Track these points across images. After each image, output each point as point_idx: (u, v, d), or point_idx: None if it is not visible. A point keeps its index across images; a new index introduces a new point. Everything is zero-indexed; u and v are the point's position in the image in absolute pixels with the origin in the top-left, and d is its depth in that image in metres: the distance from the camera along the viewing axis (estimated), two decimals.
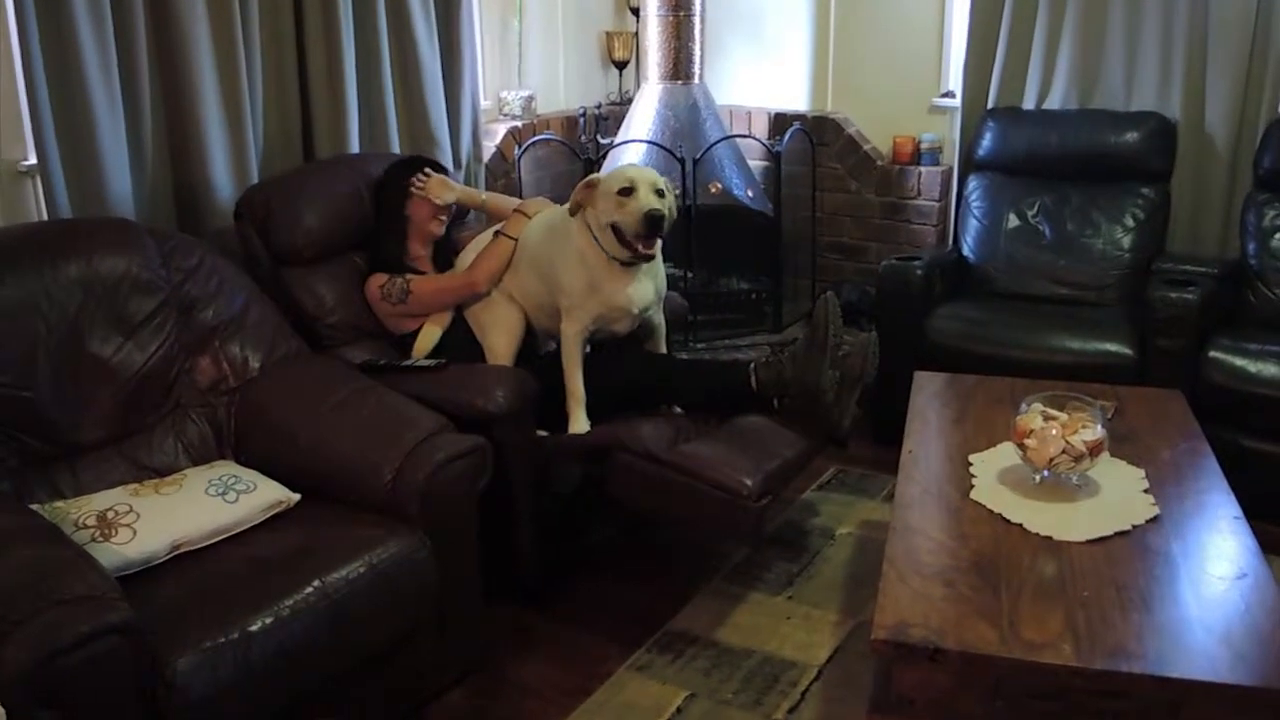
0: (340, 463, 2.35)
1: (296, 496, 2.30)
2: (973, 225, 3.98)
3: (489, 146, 4.04)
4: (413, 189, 2.99)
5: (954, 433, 2.54)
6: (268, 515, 2.25)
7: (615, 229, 2.72)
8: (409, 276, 2.93)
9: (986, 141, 4.00)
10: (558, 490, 2.79)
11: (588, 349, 2.94)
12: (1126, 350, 3.29)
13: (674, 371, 2.92)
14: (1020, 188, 3.93)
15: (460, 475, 2.34)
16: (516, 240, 2.96)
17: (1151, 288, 3.35)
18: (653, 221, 2.66)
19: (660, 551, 3.13)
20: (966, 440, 2.47)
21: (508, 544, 2.71)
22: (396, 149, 3.52)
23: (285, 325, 2.72)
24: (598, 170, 4.05)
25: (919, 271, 3.60)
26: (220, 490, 2.23)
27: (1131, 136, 3.78)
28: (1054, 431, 2.17)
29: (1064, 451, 2.15)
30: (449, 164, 3.72)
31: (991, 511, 2.13)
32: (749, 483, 2.48)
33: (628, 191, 2.70)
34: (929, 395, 2.77)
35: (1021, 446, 2.20)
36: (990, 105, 4.07)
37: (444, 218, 3.04)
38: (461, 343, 2.95)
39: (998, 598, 1.84)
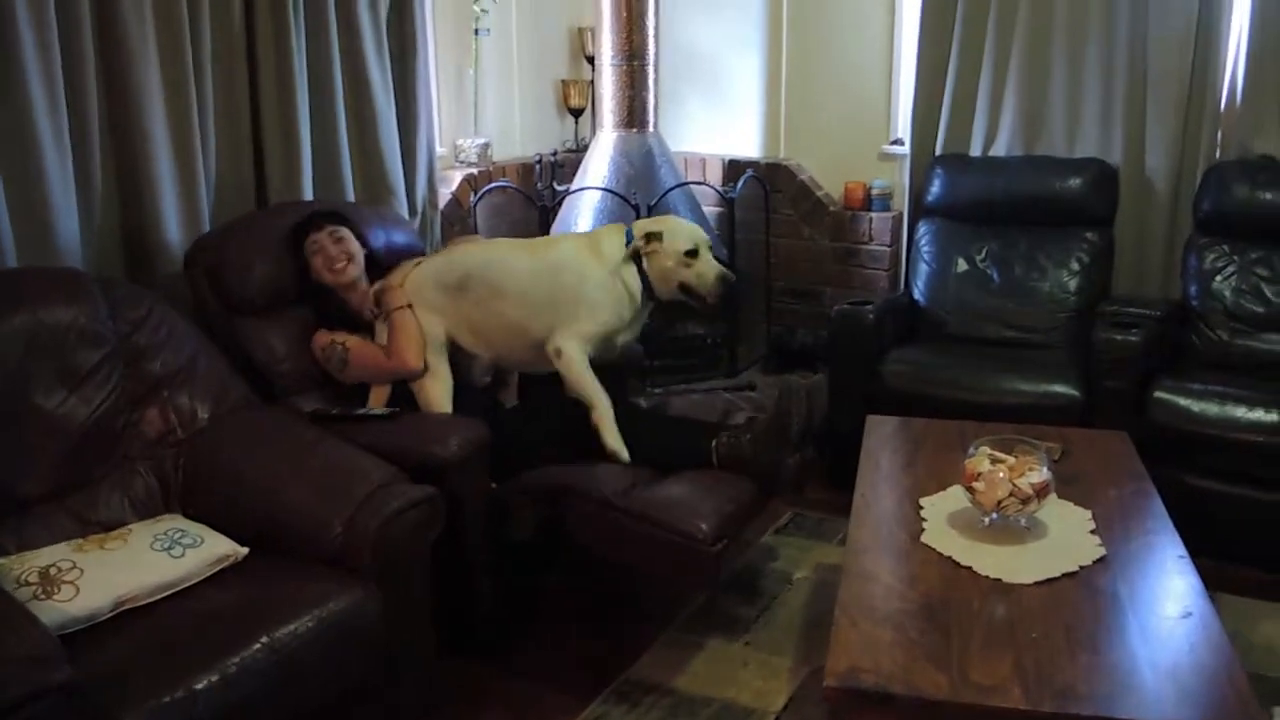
0: (290, 515, 2.33)
1: (244, 550, 2.27)
2: (923, 270, 4.04)
3: (445, 193, 4.05)
4: (306, 251, 2.98)
5: (905, 476, 2.56)
6: (215, 570, 2.21)
7: (683, 285, 2.93)
8: (347, 345, 2.92)
9: (935, 187, 4.07)
10: (512, 538, 2.77)
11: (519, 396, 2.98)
12: (1073, 391, 3.35)
13: (636, 425, 2.90)
14: (968, 233, 3.99)
15: (412, 526, 2.32)
16: (406, 308, 2.97)
17: (1096, 330, 3.41)
18: (728, 284, 2.91)
19: (617, 599, 3.11)
20: (917, 484, 2.49)
21: (462, 594, 2.69)
22: (350, 196, 3.52)
23: (235, 375, 2.70)
24: (553, 218, 4.08)
25: (871, 316, 3.64)
26: (166, 545, 2.19)
27: (1075, 182, 3.87)
28: (1001, 474, 2.20)
29: (1011, 494, 2.17)
30: (404, 210, 3.72)
31: (941, 555, 2.15)
32: (705, 527, 2.48)
33: (694, 254, 2.89)
34: (880, 439, 2.79)
35: (970, 490, 2.23)
36: (938, 152, 4.15)
37: (342, 266, 2.97)
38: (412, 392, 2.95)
39: (948, 641, 1.85)
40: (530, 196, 4.16)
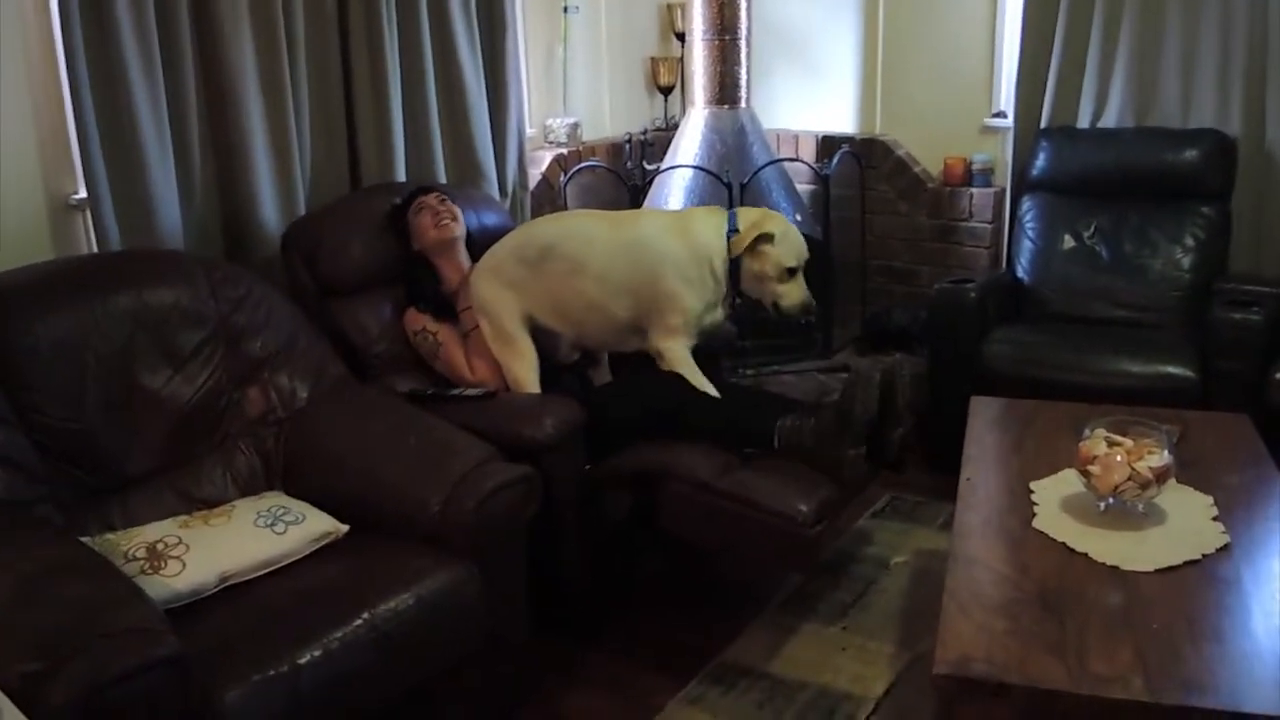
0: (388, 493, 2.33)
1: (345, 528, 2.28)
2: (1027, 247, 3.90)
3: (534, 174, 4.04)
4: (411, 214, 3.00)
5: (1013, 459, 2.47)
6: (316, 547, 2.23)
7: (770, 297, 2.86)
8: (440, 339, 2.93)
9: (1040, 161, 3.93)
10: (606, 520, 2.75)
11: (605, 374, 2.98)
12: (1189, 373, 3.20)
13: (696, 405, 2.78)
14: (1076, 208, 3.85)
15: (508, 505, 2.31)
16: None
17: (1213, 309, 3.27)
18: (810, 314, 2.90)
19: (712, 583, 3.08)
20: (1026, 467, 2.40)
21: (556, 576, 2.68)
22: (442, 177, 3.53)
23: (332, 355, 2.72)
24: (643, 197, 4.04)
25: (972, 295, 3.53)
26: (269, 522, 2.21)
27: (1190, 154, 3.70)
28: (1119, 457, 2.10)
29: (1130, 478, 2.08)
30: (494, 191, 3.72)
31: (1055, 541, 2.06)
32: (804, 509, 2.43)
33: (793, 271, 2.82)
34: (986, 421, 2.70)
35: (1085, 474, 2.14)
36: (1044, 124, 4.00)
37: (448, 222, 3.00)
38: None
39: (1063, 630, 1.77)
40: (620, 176, 4.12)
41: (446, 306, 2.99)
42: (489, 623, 2.26)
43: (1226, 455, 2.45)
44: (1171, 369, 3.23)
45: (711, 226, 2.86)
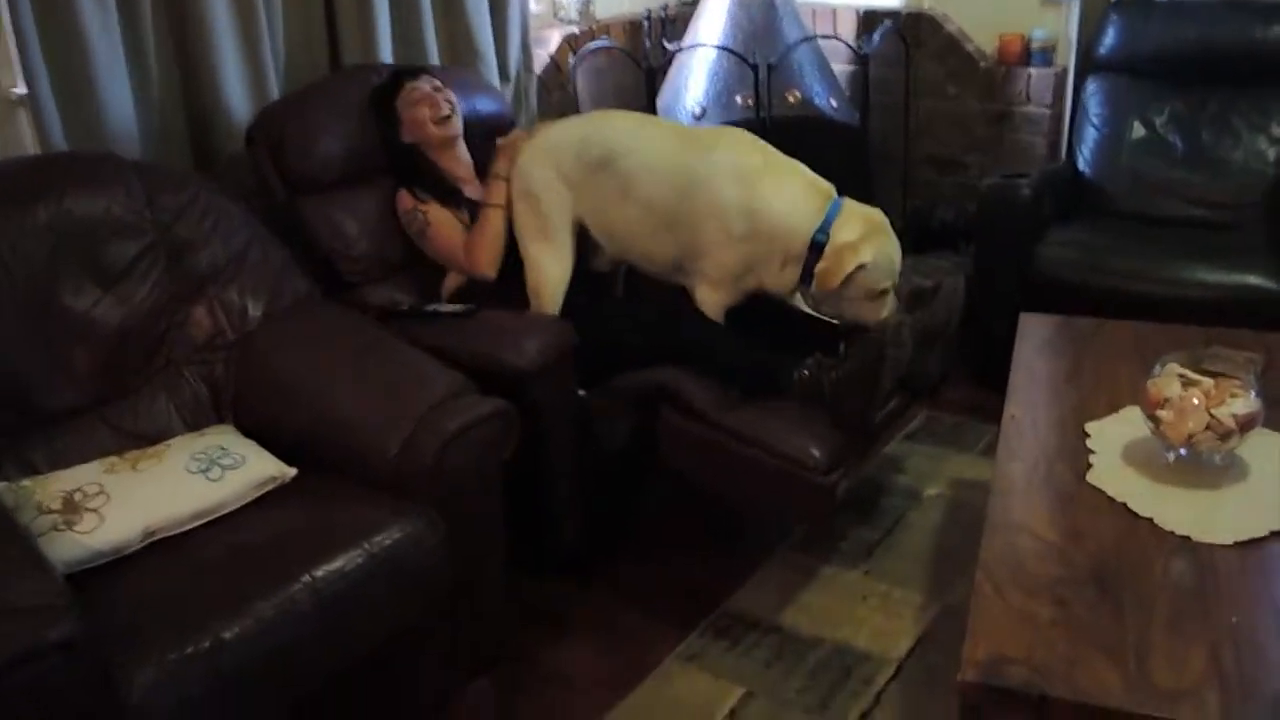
0: (343, 430, 2.05)
1: (292, 472, 2.01)
2: (1091, 136, 3.48)
3: (541, 55, 3.65)
4: (402, 104, 2.65)
5: (1067, 393, 2.12)
6: (258, 494, 1.96)
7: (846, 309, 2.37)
8: (430, 216, 2.60)
9: (1109, 38, 3.49)
10: (602, 449, 2.46)
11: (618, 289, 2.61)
12: (1271, 284, 2.81)
13: (706, 338, 2.42)
14: (1148, 92, 3.42)
15: (479, 446, 2.02)
16: (502, 208, 2.59)
17: None
18: (895, 333, 2.32)
19: (719, 517, 2.78)
20: (1082, 403, 2.06)
21: (545, 514, 2.41)
22: (434, 59, 3.16)
23: (292, 266, 2.41)
24: (661, 80, 3.65)
25: (1027, 191, 3.14)
26: (203, 466, 1.94)
27: None
28: (1195, 400, 1.75)
29: (1208, 427, 1.73)
30: (494, 77, 3.35)
31: (1114, 500, 1.73)
32: (816, 453, 2.12)
33: (884, 293, 2.35)
34: (1037, 344, 2.35)
35: (1154, 419, 1.79)
36: None
37: (449, 116, 2.67)
38: (504, 274, 2.62)
39: (1121, 623, 1.46)
40: (636, 59, 3.71)
41: (450, 194, 2.68)
42: (457, 579, 1.99)
43: None
44: (1251, 279, 2.84)
45: (798, 207, 2.34)
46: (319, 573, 1.78)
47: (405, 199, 2.64)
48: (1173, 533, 1.65)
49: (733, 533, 2.72)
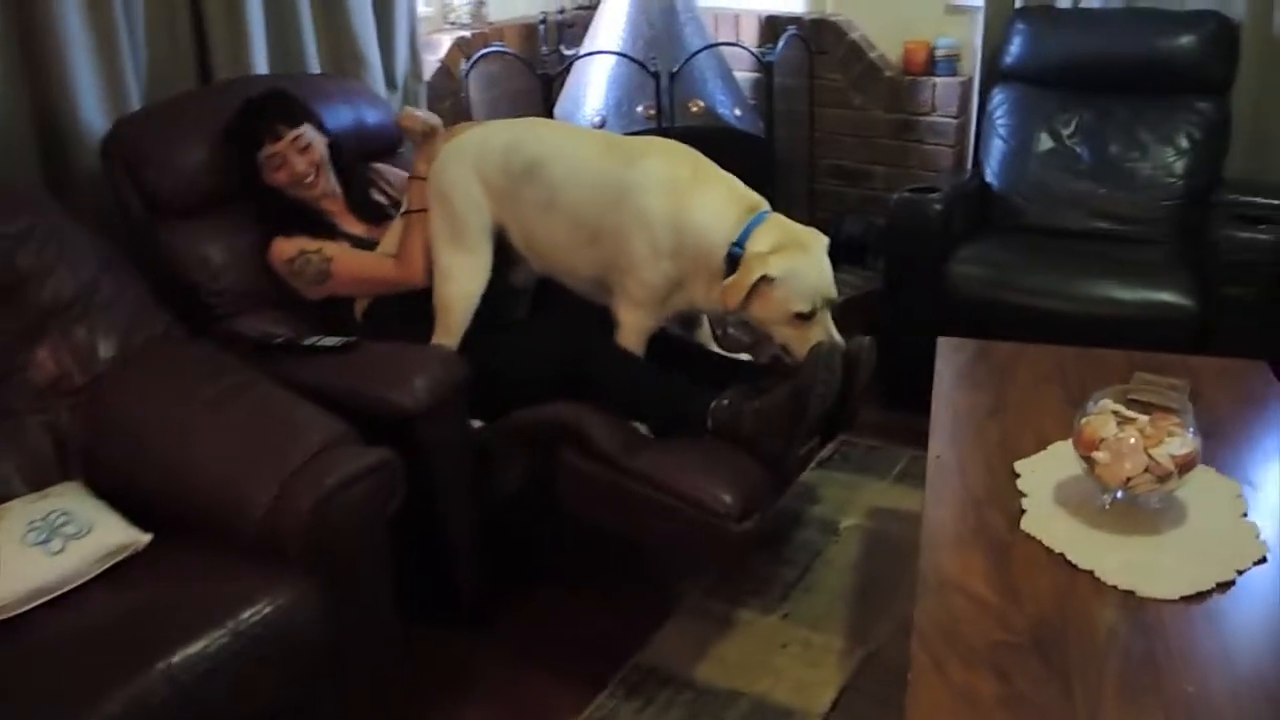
0: (205, 487, 1.83)
1: (145, 539, 1.78)
2: (997, 147, 3.41)
3: (431, 62, 3.44)
4: (264, 167, 2.39)
5: (992, 428, 2.01)
6: (106, 566, 1.73)
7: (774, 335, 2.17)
8: (326, 254, 2.37)
9: (1015, 47, 3.41)
10: (499, 494, 2.28)
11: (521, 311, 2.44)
12: (1186, 302, 2.76)
13: (614, 371, 2.24)
14: (1054, 102, 3.35)
15: (361, 502, 1.82)
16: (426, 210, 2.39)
17: (1215, 225, 2.81)
18: (834, 363, 2.08)
19: (626, 561, 2.58)
20: (1009, 439, 1.95)
21: (439, 563, 2.22)
22: (314, 68, 2.93)
23: (150, 299, 2.18)
24: (558, 88, 3.47)
25: (937, 207, 3.04)
26: (43, 537, 1.70)
27: (1187, 40, 3.19)
28: (1133, 440, 1.65)
29: (1146, 469, 1.63)
30: (380, 85, 3.13)
31: (1050, 551, 1.62)
32: (727, 499, 1.96)
33: (808, 316, 2.11)
34: (956, 371, 2.24)
35: (1088, 461, 1.68)
36: (1019, 4, 3.46)
37: (313, 180, 2.42)
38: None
39: (1070, 699, 1.33)
40: (531, 64, 3.53)
41: (320, 227, 2.45)
42: (339, 648, 1.79)
43: (1248, 421, 2.03)
44: (1166, 296, 2.78)
45: (720, 219, 2.16)
46: (177, 658, 1.57)
47: (283, 247, 2.38)
48: (1115, 588, 1.53)
49: (641, 578, 2.54)
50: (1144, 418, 1.69)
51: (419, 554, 2.19)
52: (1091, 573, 1.56)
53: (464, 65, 3.45)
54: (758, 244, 2.12)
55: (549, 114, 3.42)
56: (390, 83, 3.22)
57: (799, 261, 2.11)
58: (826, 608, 2.37)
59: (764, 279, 2.08)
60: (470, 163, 2.36)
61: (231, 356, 2.12)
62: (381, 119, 2.85)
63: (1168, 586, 1.52)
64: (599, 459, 2.08)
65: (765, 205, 2.24)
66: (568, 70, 3.54)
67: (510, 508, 2.31)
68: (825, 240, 2.20)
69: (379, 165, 2.70)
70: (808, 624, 2.32)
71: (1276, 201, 2.89)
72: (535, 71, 3.45)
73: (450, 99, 3.48)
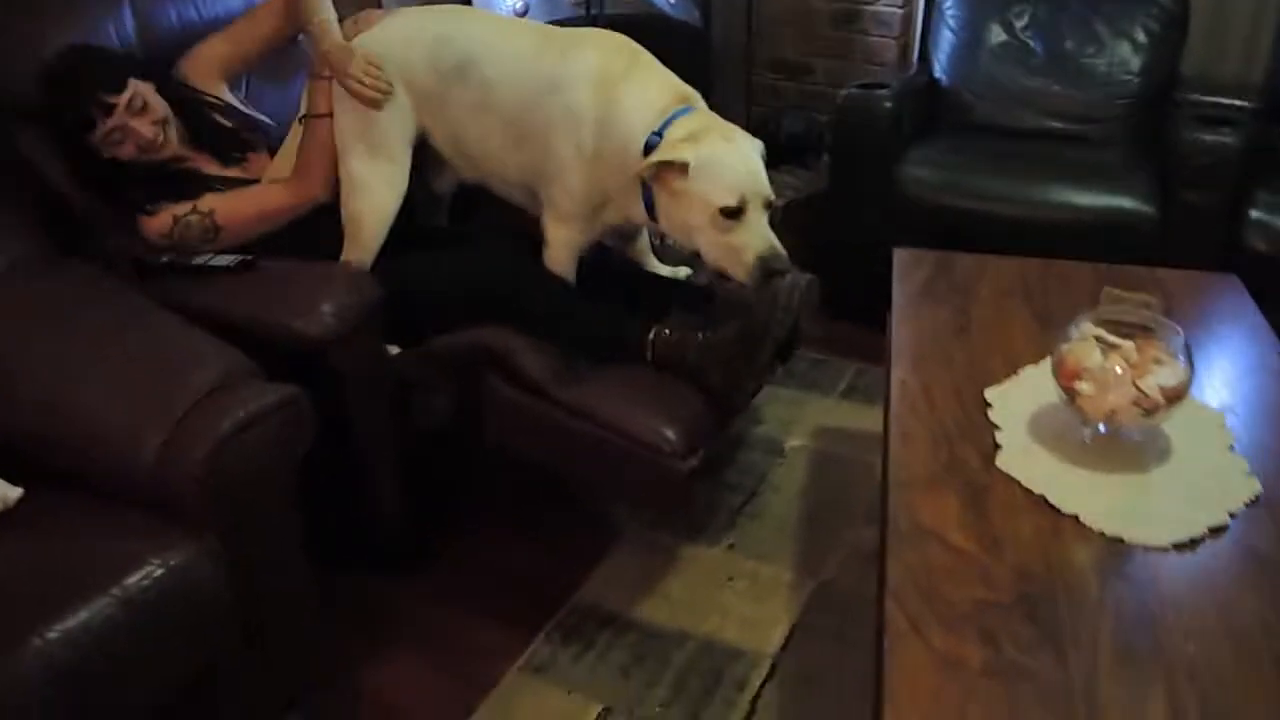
0: (85, 432, 1.60)
1: (17, 492, 1.56)
2: (947, 39, 3.22)
3: None
4: (101, 143, 2.03)
5: (958, 350, 1.86)
6: None
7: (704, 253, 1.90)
8: (204, 208, 2.06)
9: None
10: (420, 425, 2.08)
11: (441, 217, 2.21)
12: (1146, 207, 2.63)
13: (543, 295, 2.03)
14: None
15: (263, 445, 1.61)
16: (330, 115, 2.12)
17: (1178, 127, 2.67)
18: (772, 271, 1.84)
19: (560, 494, 2.42)
20: (976, 363, 1.80)
21: (359, 503, 2.03)
22: None
23: (15, 216, 1.90)
24: None
25: (887, 104, 2.85)
26: None
27: None
28: (1118, 369, 1.51)
29: (1134, 402, 1.49)
30: None
31: (1031, 493, 1.48)
32: (671, 434, 1.79)
33: (735, 213, 1.84)
34: (917, 286, 2.08)
35: (1069, 391, 1.54)
36: None
37: (161, 141, 2.07)
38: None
39: (1064, 666, 1.20)
40: None
41: (187, 183, 2.12)
42: (246, 606, 1.60)
43: (1225, 341, 1.90)
44: (1125, 201, 2.65)
45: (643, 111, 1.92)
46: (53, 634, 1.37)
47: (152, 223, 2.05)
48: (1102, 534, 1.41)
49: (577, 511, 2.38)
50: (1128, 343, 1.55)
51: (337, 495, 2.01)
52: (1076, 517, 1.43)
53: None
54: (676, 132, 1.89)
55: (467, 1, 3.13)
56: None
57: (720, 148, 1.86)
58: (774, 537, 2.24)
59: (677, 166, 1.83)
60: (391, 60, 2.10)
61: (112, 279, 1.87)
62: None
63: (1158, 532, 1.40)
64: (528, 389, 1.89)
65: (699, 100, 2.01)
66: None
67: (434, 442, 2.13)
68: (758, 142, 1.97)
69: (191, 80, 2.23)
70: (755, 555, 2.19)
71: (1238, 102, 2.73)
72: None
73: None
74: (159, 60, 2.24)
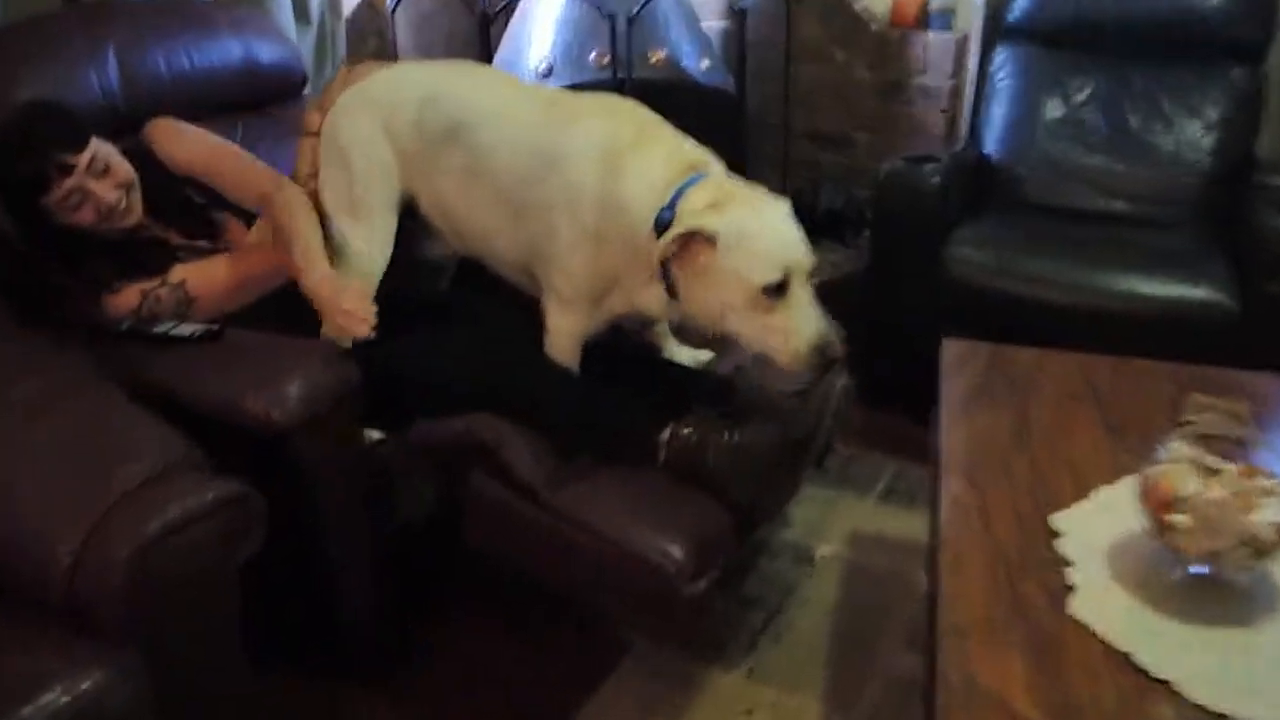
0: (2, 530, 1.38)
1: None
2: (998, 114, 3.00)
3: None
4: (58, 208, 1.80)
5: (1017, 461, 1.60)
6: None
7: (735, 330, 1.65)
8: (175, 281, 1.85)
9: (1022, 1, 2.99)
10: (401, 519, 1.85)
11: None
12: (1222, 298, 2.36)
13: (553, 381, 1.81)
14: (1065, 65, 2.96)
15: (199, 547, 1.38)
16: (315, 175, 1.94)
17: (1256, 211, 2.43)
18: (828, 359, 1.59)
19: (558, 602, 2.07)
20: (1038, 478, 1.55)
21: (325, 602, 1.79)
22: None
23: None
24: (496, 31, 3.01)
25: (935, 179, 2.63)
26: None
27: None
28: (1225, 505, 1.24)
29: (1244, 542, 1.23)
30: (288, 19, 2.66)
31: (1112, 649, 1.22)
32: (676, 552, 1.53)
33: (778, 289, 1.59)
34: (969, 384, 1.83)
35: (1163, 524, 1.28)
36: None
37: (125, 206, 1.86)
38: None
39: None
40: (467, 3, 3.06)
41: (154, 256, 1.91)
42: None
43: None
44: (1199, 292, 2.38)
45: (649, 185, 1.68)
46: None
47: (118, 301, 1.82)
48: (1201, 706, 1.14)
49: (576, 623, 2.10)
50: (1231, 467, 1.30)
51: (302, 594, 1.77)
52: (1169, 684, 1.16)
53: (390, 1, 2.99)
54: (693, 201, 1.64)
55: (488, 59, 2.98)
56: (302, 16, 2.76)
57: (749, 215, 1.62)
58: (800, 662, 1.97)
59: (703, 238, 1.58)
60: (378, 116, 1.91)
61: (64, 341, 1.66)
62: (280, 58, 2.40)
63: (1270, 710, 1.13)
64: (516, 489, 1.64)
65: (712, 166, 1.75)
66: (511, 9, 3.08)
67: (416, 536, 1.89)
68: (784, 201, 1.71)
69: (160, 154, 2.02)
70: (778, 683, 1.91)
71: None
72: (473, 10, 2.99)
73: (374, 39, 3.03)
74: (143, 113, 2.07)
